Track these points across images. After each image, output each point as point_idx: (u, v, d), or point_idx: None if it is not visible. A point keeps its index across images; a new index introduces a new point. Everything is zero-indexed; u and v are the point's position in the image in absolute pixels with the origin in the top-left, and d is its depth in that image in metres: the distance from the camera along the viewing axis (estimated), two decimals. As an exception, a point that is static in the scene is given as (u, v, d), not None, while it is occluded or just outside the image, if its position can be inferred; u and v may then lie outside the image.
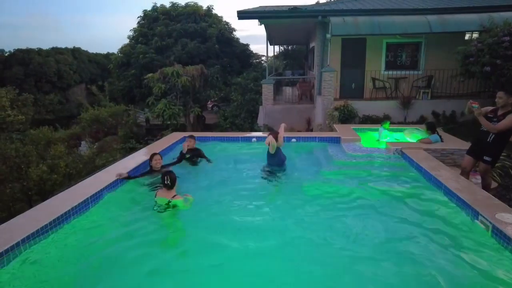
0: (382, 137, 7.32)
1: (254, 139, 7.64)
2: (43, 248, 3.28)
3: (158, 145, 7.03)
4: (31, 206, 4.43)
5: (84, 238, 3.56)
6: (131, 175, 5.04)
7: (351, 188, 4.96)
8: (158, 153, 5.37)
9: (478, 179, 5.51)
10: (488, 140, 4.82)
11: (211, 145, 7.51)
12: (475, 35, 10.96)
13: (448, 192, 4.33)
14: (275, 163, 5.61)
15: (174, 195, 4.20)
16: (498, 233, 3.23)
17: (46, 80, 34.82)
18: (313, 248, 3.49)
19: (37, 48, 36.35)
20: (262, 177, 5.45)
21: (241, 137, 7.87)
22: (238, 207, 4.41)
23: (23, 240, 3.13)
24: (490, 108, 4.96)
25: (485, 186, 5.02)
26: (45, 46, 40.82)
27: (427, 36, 11.70)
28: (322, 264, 3.19)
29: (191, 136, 6.53)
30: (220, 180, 5.42)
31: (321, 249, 3.47)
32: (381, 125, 7.81)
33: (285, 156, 5.72)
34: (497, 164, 5.42)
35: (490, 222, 3.35)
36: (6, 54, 35.35)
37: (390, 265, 3.12)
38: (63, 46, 39.62)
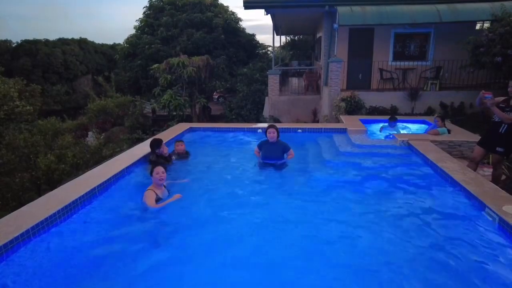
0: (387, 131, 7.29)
1: (259, 130, 7.63)
2: (52, 236, 3.33)
3: (164, 136, 7.06)
4: (40, 195, 4.49)
5: (93, 226, 3.62)
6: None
7: (356, 179, 4.95)
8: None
9: (485, 171, 5.47)
10: (500, 131, 4.75)
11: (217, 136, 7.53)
12: (486, 24, 10.72)
13: (454, 184, 4.29)
14: (273, 155, 5.49)
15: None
16: (505, 226, 3.21)
17: (53, 71, 34.98)
18: (319, 238, 3.50)
19: (44, 39, 36.48)
20: (264, 168, 5.43)
21: (247, 128, 7.87)
22: (239, 199, 4.40)
23: (32, 228, 3.19)
24: (502, 98, 4.89)
25: (496, 177, 4.98)
26: (53, 36, 40.77)
27: (436, 26, 11.47)
28: (324, 255, 3.21)
29: (180, 140, 6.08)
30: (222, 172, 5.43)
31: (326, 240, 3.48)
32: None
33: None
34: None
35: (497, 214, 3.32)
36: (14, 45, 35.51)
37: (392, 256, 3.12)
38: (70, 37, 39.69)
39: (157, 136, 6.25)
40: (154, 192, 4.08)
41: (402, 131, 7.56)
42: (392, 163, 5.53)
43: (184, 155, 5.93)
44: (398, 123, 7.67)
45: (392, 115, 8.20)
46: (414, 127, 8.18)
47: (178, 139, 6.20)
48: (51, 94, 33.30)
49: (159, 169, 4.12)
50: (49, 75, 34.78)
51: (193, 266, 3.05)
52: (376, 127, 7.99)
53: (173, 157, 5.73)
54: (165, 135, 7.16)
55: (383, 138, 6.97)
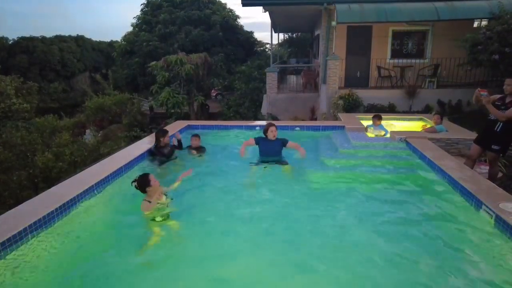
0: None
1: (258, 128, 7.62)
2: (50, 234, 3.32)
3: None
4: (37, 193, 4.47)
5: (91, 225, 3.62)
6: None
7: (354, 177, 4.96)
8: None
9: (483, 169, 5.49)
10: (495, 129, 4.77)
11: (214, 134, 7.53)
12: (484, 22, 10.72)
13: (452, 182, 4.31)
14: (274, 152, 5.49)
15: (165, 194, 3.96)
16: (501, 223, 3.23)
17: (50, 68, 34.80)
18: (316, 237, 3.52)
19: (41, 36, 36.23)
20: (262, 166, 5.42)
21: (245, 126, 7.86)
22: (238, 198, 4.40)
23: (30, 226, 3.18)
24: (498, 96, 4.90)
25: (492, 175, 5.01)
26: (50, 33, 40.54)
27: (434, 24, 11.48)
28: (321, 253, 3.23)
29: (196, 135, 6.16)
30: (220, 170, 5.42)
31: (324, 237, 3.49)
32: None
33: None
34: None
35: (493, 212, 3.34)
36: (10, 42, 35.24)
37: (389, 252, 3.14)
38: (67, 34, 39.45)
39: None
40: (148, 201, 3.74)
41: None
42: (389, 161, 5.55)
43: (199, 151, 6.01)
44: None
45: (377, 113, 7.34)
46: (401, 127, 8.00)
47: (194, 134, 6.28)
48: (48, 92, 33.11)
49: (151, 176, 3.80)
50: (46, 73, 34.60)
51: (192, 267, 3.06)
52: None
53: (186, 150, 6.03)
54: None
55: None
